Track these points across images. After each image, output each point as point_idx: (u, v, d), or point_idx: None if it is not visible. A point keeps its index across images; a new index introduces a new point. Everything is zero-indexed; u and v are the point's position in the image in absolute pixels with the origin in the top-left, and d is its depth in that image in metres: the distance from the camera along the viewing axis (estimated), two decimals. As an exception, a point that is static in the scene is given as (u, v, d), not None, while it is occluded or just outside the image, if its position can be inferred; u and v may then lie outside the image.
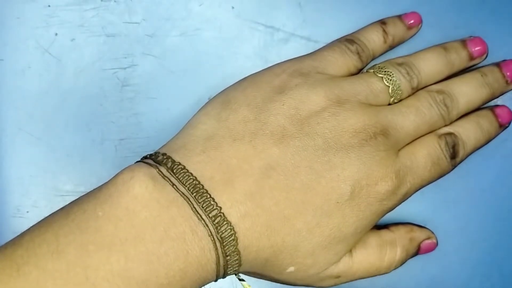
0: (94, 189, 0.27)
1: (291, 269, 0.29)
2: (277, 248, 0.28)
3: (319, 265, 0.29)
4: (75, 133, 0.34)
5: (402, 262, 0.32)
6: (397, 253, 0.32)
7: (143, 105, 0.34)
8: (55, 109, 0.34)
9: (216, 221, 0.26)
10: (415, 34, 0.34)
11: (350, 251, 0.30)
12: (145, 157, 0.29)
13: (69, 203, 0.27)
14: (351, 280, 0.31)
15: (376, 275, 0.31)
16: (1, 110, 0.34)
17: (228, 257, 0.26)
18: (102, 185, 0.27)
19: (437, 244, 0.33)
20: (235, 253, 0.27)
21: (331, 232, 0.28)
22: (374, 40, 0.33)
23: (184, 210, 0.26)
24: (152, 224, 0.25)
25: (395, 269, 0.32)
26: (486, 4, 0.35)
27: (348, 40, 0.33)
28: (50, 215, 0.27)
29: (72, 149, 0.34)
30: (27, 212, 0.34)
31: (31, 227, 0.26)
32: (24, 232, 0.26)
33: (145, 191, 0.26)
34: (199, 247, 0.26)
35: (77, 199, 0.27)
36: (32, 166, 0.34)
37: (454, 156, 0.31)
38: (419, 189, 0.31)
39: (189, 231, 0.26)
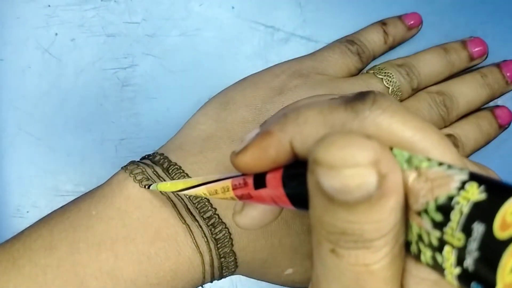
0: (92, 189, 0.27)
1: (290, 271, 0.28)
2: (274, 249, 0.27)
3: (318, 267, 0.29)
4: (75, 133, 0.34)
5: None
6: None
7: (143, 105, 0.34)
8: (55, 109, 0.34)
9: (210, 222, 0.26)
10: (415, 34, 0.34)
11: None
12: (144, 158, 0.29)
13: (69, 202, 0.27)
14: None
15: None
16: (1, 110, 0.34)
17: (223, 259, 0.26)
18: (100, 185, 0.27)
19: None
20: (231, 254, 0.27)
21: None
22: (375, 40, 0.33)
23: (177, 211, 0.26)
24: (144, 224, 0.25)
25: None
26: (486, 4, 0.34)
27: (349, 40, 0.33)
28: (50, 212, 0.27)
29: (72, 149, 0.34)
30: (27, 212, 0.34)
31: (33, 223, 0.26)
32: (26, 228, 0.26)
33: (137, 192, 0.26)
34: (191, 248, 0.26)
35: (77, 198, 0.27)
36: (32, 166, 0.34)
37: None
38: None
39: (181, 232, 0.26)
